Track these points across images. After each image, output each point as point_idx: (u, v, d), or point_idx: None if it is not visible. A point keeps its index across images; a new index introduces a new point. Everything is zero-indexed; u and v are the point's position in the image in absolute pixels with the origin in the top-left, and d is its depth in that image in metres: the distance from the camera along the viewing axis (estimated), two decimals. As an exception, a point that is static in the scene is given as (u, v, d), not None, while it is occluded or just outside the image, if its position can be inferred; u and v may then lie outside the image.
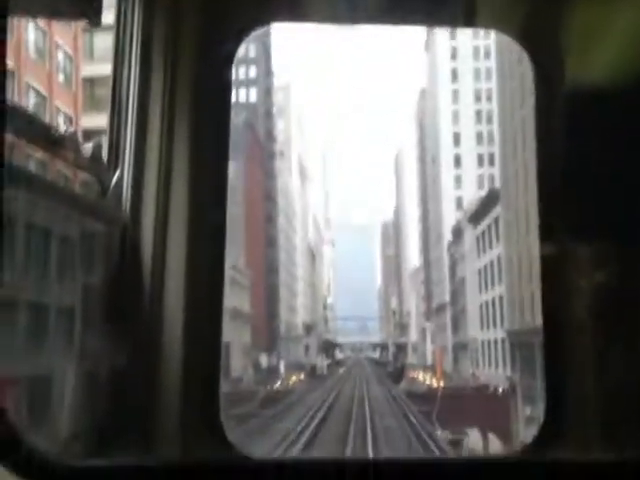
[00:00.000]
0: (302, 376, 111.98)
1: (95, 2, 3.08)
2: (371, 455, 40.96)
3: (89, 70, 48.96)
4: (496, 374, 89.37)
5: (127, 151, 3.44)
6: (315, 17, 3.89)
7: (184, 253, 3.39)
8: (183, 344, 3.35)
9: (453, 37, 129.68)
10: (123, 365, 3.32)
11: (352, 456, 36.65)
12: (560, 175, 3.69)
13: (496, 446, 67.73)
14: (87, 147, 3.11)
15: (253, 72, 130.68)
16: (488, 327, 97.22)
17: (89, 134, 43.37)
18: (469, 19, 3.95)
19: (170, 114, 3.40)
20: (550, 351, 3.76)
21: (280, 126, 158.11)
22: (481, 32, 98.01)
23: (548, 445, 3.54)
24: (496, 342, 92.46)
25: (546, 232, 3.83)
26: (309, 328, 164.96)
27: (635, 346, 3.55)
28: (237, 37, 3.60)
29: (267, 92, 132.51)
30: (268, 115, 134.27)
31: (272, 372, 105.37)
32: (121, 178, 3.44)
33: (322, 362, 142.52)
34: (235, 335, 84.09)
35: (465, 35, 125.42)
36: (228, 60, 3.54)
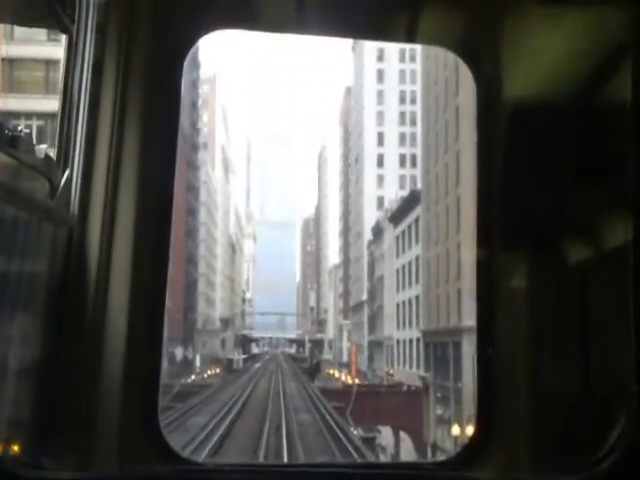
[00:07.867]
0: (218, 370, 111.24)
1: (68, 9, 3.05)
2: (285, 451, 41.02)
3: (9, 51, 47.58)
4: (410, 373, 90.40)
5: (77, 150, 3.43)
6: (263, 26, 3.98)
7: (130, 253, 3.38)
8: (125, 348, 3.30)
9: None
10: (60, 369, 3.25)
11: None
12: (498, 184, 3.80)
13: (407, 445, 68.67)
14: (41, 148, 3.04)
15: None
16: (404, 326, 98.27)
17: (8, 116, 42.26)
18: (410, 35, 4.09)
19: (121, 113, 3.41)
20: (482, 356, 3.78)
21: (204, 118, 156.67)
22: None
23: (475, 458, 3.57)
24: (411, 341, 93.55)
25: (483, 237, 3.90)
26: (226, 322, 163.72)
27: (564, 356, 3.66)
28: (189, 40, 3.66)
29: (193, 83, 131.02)
30: (193, 106, 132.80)
31: (187, 365, 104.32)
32: (70, 177, 3.42)
33: (238, 356, 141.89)
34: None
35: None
36: (179, 63, 3.59)
